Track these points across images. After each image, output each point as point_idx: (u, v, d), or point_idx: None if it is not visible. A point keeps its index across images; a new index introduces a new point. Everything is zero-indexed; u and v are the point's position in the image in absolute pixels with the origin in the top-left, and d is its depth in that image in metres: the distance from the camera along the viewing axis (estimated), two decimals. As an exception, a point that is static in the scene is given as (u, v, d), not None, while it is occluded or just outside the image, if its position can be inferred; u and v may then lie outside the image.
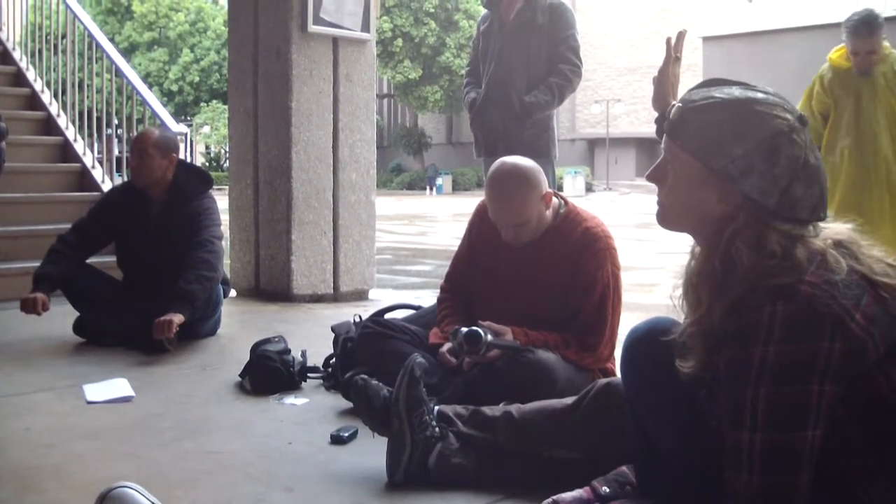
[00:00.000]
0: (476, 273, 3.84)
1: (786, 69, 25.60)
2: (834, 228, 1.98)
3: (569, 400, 2.95)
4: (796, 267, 1.87)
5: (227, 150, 9.26)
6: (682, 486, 2.17)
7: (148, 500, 2.38)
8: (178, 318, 4.77)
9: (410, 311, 4.30)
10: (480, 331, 3.32)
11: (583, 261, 3.49)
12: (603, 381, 2.93)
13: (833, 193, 5.40)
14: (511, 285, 3.65)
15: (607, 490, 2.46)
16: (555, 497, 2.47)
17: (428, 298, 3.96)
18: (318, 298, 6.85)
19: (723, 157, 1.93)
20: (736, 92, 2.00)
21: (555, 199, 3.65)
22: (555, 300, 3.53)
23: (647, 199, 28.28)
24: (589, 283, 3.48)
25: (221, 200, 5.64)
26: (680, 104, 2.06)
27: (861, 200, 5.48)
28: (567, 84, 5.75)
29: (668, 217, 2.12)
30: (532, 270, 3.58)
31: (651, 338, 2.21)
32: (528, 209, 3.51)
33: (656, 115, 2.79)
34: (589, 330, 3.48)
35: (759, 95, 1.98)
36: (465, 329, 3.33)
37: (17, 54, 10.27)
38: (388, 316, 4.12)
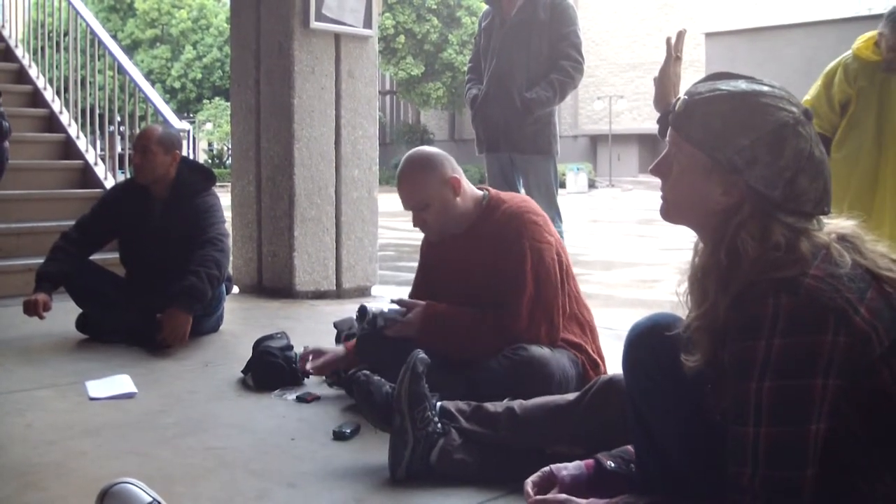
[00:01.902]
0: (430, 272, 3.93)
1: (788, 65, 25.57)
2: (838, 223, 1.98)
3: (571, 395, 2.96)
4: (800, 260, 1.86)
5: (230, 146, 9.26)
6: (683, 483, 2.16)
7: (149, 495, 2.38)
8: (187, 324, 4.84)
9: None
10: (367, 306, 3.55)
11: (500, 242, 3.51)
12: (605, 376, 2.94)
13: (847, 187, 5.33)
14: (451, 283, 3.71)
15: (612, 465, 2.44)
16: (551, 466, 2.46)
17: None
18: (320, 295, 6.84)
19: (728, 148, 1.93)
20: (742, 84, 2.00)
21: (477, 192, 3.70)
22: (490, 287, 3.54)
23: (649, 196, 28.26)
24: (502, 263, 3.49)
25: (224, 197, 5.63)
26: (686, 96, 2.06)
27: (874, 197, 5.40)
28: (568, 80, 5.76)
29: (672, 211, 2.12)
30: (464, 264, 3.64)
31: (653, 333, 2.20)
32: (425, 190, 3.57)
33: (658, 113, 2.78)
34: (503, 303, 3.47)
35: (765, 88, 1.98)
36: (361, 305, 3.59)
37: (19, 51, 10.30)
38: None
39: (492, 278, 3.51)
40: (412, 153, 3.70)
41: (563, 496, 2.29)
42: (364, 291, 7.10)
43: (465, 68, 6.43)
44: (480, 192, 3.71)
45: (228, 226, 5.60)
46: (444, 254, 3.77)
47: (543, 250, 3.50)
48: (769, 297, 1.83)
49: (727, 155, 1.94)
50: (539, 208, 3.67)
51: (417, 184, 3.58)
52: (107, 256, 5.89)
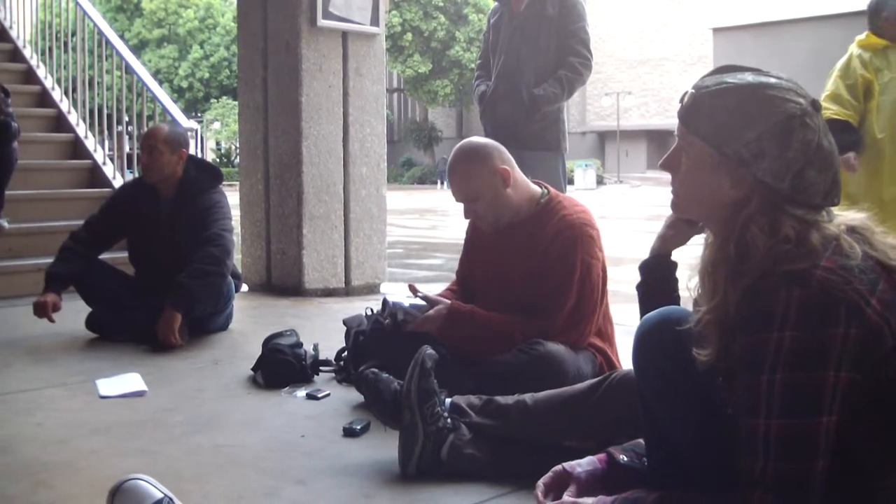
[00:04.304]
0: (472, 267, 3.88)
1: (796, 60, 25.52)
2: (847, 215, 1.97)
3: (584, 385, 2.95)
4: (811, 252, 1.85)
5: (238, 145, 9.28)
6: (693, 477, 2.15)
7: (160, 491, 2.37)
8: (177, 322, 4.84)
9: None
10: (388, 299, 3.57)
11: (552, 248, 3.46)
12: (620, 371, 2.93)
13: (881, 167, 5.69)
14: (493, 275, 3.68)
15: (625, 459, 2.42)
16: (564, 464, 2.45)
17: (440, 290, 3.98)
18: (329, 293, 6.85)
19: (735, 141, 1.92)
20: (748, 77, 1.99)
21: (536, 188, 3.65)
22: (529, 288, 3.52)
23: (658, 192, 28.23)
24: (550, 269, 3.45)
25: (232, 196, 5.63)
26: (693, 90, 2.05)
27: None
28: (577, 77, 5.74)
29: (682, 205, 2.12)
30: (510, 259, 3.60)
31: (663, 328, 2.19)
32: (476, 182, 3.52)
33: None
34: (541, 314, 3.45)
35: (772, 80, 1.97)
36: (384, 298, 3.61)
37: (27, 52, 10.31)
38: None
39: (534, 282, 3.49)
40: (461, 145, 3.64)
41: (571, 500, 2.29)
42: (373, 289, 7.10)
43: (473, 65, 6.43)
44: (537, 189, 3.65)
45: (237, 224, 5.60)
46: (489, 244, 3.72)
47: (592, 266, 3.48)
48: (780, 290, 1.82)
49: (734, 148, 1.93)
50: (595, 220, 3.61)
51: (466, 176, 3.54)
52: (116, 255, 5.89)
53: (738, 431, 1.89)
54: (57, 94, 9.66)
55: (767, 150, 1.90)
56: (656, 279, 2.54)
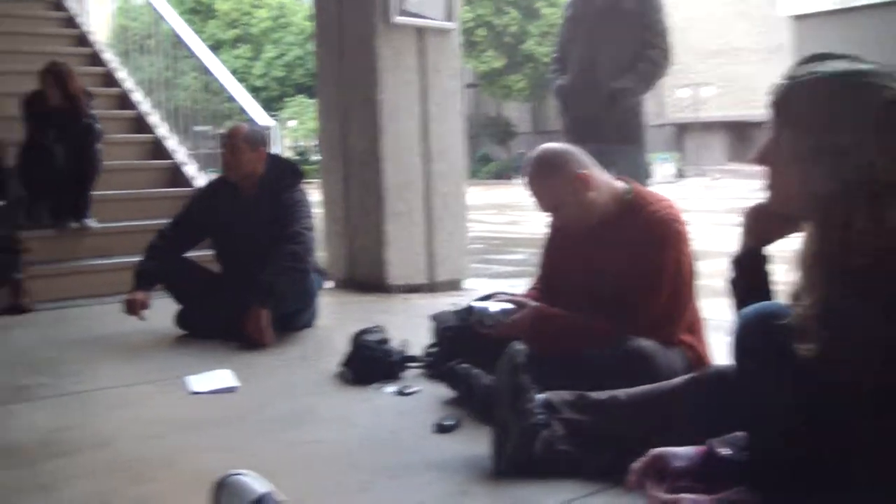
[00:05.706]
0: (555, 265, 3.83)
1: (887, 47, 24.92)
2: None
3: (678, 380, 2.90)
4: None
5: (315, 143, 9.35)
6: (793, 471, 2.12)
7: (264, 486, 2.39)
8: (265, 320, 4.89)
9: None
10: (474, 304, 3.50)
11: (642, 245, 3.40)
12: (714, 367, 2.88)
13: None
14: (581, 273, 3.61)
15: (726, 452, 2.37)
16: (662, 450, 2.41)
17: (523, 286, 3.97)
18: (413, 289, 6.86)
19: (831, 131, 1.89)
20: (842, 65, 1.95)
21: (620, 185, 3.59)
22: (619, 286, 3.44)
23: (740, 185, 27.82)
24: (640, 266, 3.38)
25: (311, 194, 5.66)
26: (785, 80, 2.02)
27: None
28: (656, 70, 5.71)
29: (779, 199, 2.08)
30: (598, 257, 3.52)
31: (763, 322, 2.15)
32: (556, 191, 3.48)
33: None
34: (632, 311, 3.39)
35: (867, 67, 1.93)
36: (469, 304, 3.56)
37: (106, 56, 10.50)
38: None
39: (623, 279, 3.42)
40: (535, 157, 3.56)
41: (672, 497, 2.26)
42: (457, 284, 7.10)
43: (547, 59, 6.42)
44: (621, 185, 3.59)
45: (318, 221, 5.64)
46: (575, 243, 3.65)
47: (683, 261, 3.43)
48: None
49: (832, 138, 1.90)
50: (681, 215, 3.53)
51: (545, 189, 3.50)
52: (204, 253, 5.96)
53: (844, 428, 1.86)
54: (137, 96, 9.82)
55: (865, 139, 1.87)
56: (749, 273, 2.49)
